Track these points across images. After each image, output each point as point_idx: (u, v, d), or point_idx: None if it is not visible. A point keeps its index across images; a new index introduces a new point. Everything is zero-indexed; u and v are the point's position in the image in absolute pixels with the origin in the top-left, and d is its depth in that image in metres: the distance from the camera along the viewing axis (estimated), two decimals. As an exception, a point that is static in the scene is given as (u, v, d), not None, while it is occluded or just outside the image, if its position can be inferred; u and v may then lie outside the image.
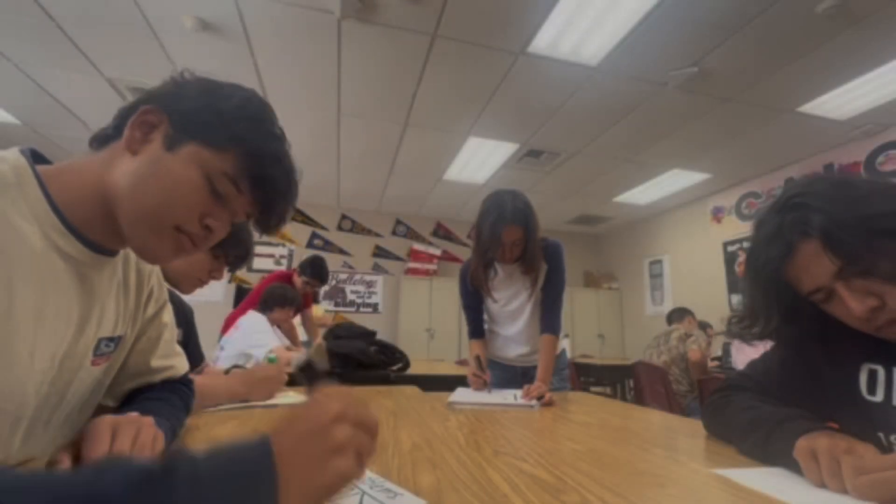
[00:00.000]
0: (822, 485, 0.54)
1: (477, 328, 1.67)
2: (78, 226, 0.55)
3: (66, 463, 0.54)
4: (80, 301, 0.56)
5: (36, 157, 0.56)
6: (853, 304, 0.60)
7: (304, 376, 0.48)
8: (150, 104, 0.57)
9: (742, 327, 0.76)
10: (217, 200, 0.57)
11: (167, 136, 0.56)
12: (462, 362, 3.75)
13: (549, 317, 1.54)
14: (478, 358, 1.48)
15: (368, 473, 0.56)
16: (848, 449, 0.55)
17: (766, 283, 0.69)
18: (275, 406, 1.09)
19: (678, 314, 3.60)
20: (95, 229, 0.56)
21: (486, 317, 1.69)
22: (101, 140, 0.60)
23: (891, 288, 0.58)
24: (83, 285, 0.56)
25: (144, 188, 0.54)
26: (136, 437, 0.57)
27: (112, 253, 0.61)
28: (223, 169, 0.56)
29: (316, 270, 2.86)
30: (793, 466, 0.60)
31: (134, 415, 0.61)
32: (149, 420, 0.61)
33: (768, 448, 0.65)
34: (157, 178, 0.55)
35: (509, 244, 1.44)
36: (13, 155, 0.53)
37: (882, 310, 0.59)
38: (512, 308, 1.61)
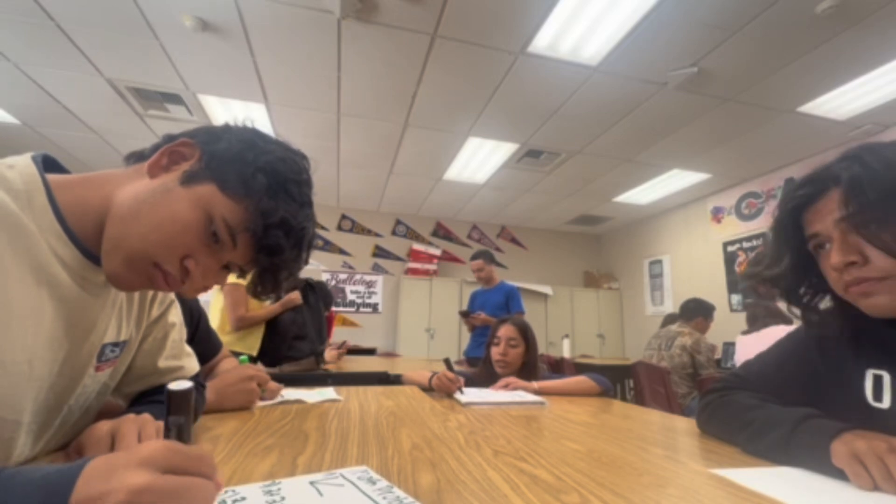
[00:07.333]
0: (874, 489, 0.52)
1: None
2: (82, 237, 0.54)
3: None
4: (82, 309, 0.55)
5: (50, 165, 0.55)
6: (835, 253, 0.61)
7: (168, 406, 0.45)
8: (192, 138, 0.57)
9: (761, 268, 0.76)
10: (208, 244, 0.55)
11: (188, 170, 0.55)
12: (461, 363, 3.74)
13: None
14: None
15: (371, 473, 0.56)
16: (890, 448, 0.54)
17: (783, 220, 0.70)
18: (314, 403, 1.08)
19: (691, 309, 3.23)
20: (97, 242, 0.55)
21: None
22: (137, 158, 0.59)
23: (878, 254, 0.59)
24: (85, 293, 0.55)
25: (139, 214, 0.53)
26: (139, 435, 0.55)
27: None
28: (225, 215, 0.54)
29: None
30: (817, 467, 0.59)
31: (130, 416, 0.59)
32: (146, 416, 0.59)
33: (790, 448, 0.63)
34: (156, 207, 0.53)
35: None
36: (23, 161, 0.52)
37: (858, 268, 0.60)
38: None
